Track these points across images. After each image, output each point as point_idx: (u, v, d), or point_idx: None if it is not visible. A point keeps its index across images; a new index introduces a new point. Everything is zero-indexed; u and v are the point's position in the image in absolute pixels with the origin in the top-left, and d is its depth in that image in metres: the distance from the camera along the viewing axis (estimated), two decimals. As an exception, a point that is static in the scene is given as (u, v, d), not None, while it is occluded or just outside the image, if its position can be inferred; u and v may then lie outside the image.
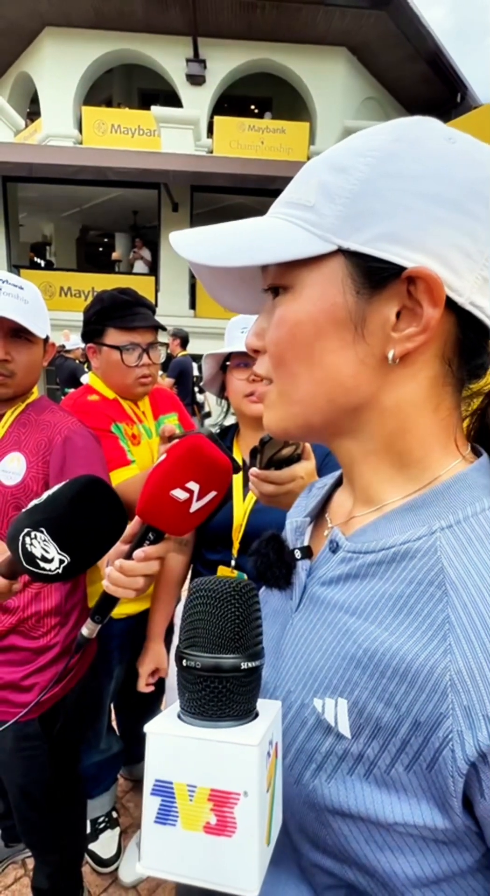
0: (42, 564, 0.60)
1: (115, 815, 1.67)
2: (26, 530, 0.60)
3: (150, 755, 0.31)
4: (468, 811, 0.31)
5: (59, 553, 0.60)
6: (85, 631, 0.57)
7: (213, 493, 0.49)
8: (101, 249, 14.27)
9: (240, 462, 1.13)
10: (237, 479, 1.13)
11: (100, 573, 1.27)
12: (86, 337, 1.39)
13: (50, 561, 0.60)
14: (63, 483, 0.63)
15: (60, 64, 10.85)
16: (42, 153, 8.91)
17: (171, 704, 0.35)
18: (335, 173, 0.36)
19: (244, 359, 1.12)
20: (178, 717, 0.33)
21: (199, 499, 0.48)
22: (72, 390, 2.28)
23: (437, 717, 0.31)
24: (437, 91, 11.74)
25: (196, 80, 11.03)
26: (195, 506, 0.49)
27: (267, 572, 0.48)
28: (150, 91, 12.42)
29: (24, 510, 0.63)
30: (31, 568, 0.61)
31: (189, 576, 1.30)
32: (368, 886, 0.36)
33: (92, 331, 1.36)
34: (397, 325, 0.36)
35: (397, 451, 0.40)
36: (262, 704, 0.35)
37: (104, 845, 1.58)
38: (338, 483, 0.53)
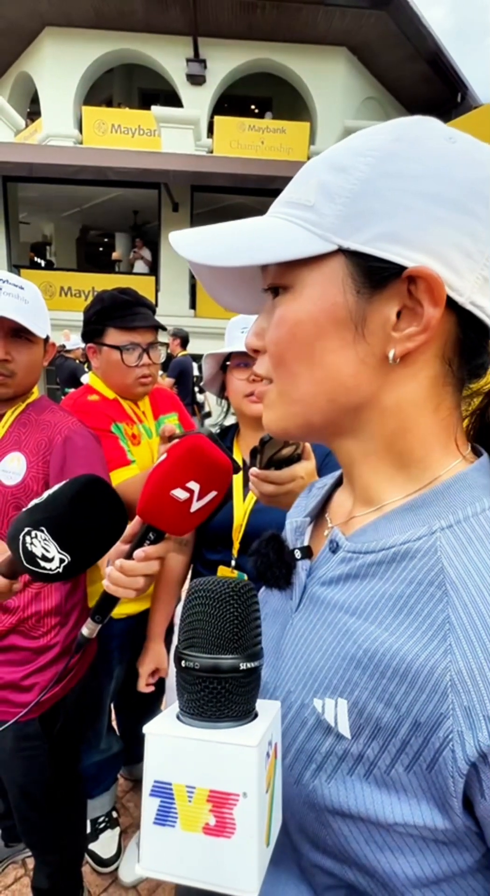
0: (42, 564, 0.60)
1: (115, 814, 1.67)
2: (27, 529, 0.60)
3: (148, 756, 0.31)
4: (468, 811, 0.31)
5: (59, 552, 0.60)
6: (85, 631, 0.57)
7: (213, 493, 0.49)
8: (101, 249, 14.27)
9: (240, 462, 1.13)
10: (237, 479, 1.13)
11: (100, 573, 1.27)
12: (86, 337, 1.39)
13: (50, 560, 0.60)
14: (63, 482, 0.63)
15: (61, 64, 10.85)
16: (42, 153, 8.91)
17: (171, 705, 0.35)
18: (335, 173, 0.36)
19: (244, 359, 1.12)
20: (177, 717, 0.33)
21: (199, 498, 0.48)
22: (72, 390, 2.28)
23: (437, 717, 0.31)
24: (438, 91, 11.73)
25: (196, 79, 11.03)
26: (195, 505, 0.49)
27: (267, 572, 0.48)
28: (151, 91, 12.42)
29: (24, 509, 0.63)
30: (31, 567, 0.61)
31: (189, 576, 1.30)
32: (368, 887, 0.36)
33: (92, 331, 1.36)
34: (398, 324, 0.36)
35: (397, 451, 0.40)
36: (261, 705, 0.35)
37: (104, 845, 1.59)
38: (338, 483, 0.53)
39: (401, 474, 0.40)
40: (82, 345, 1.45)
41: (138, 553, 0.52)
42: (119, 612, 1.29)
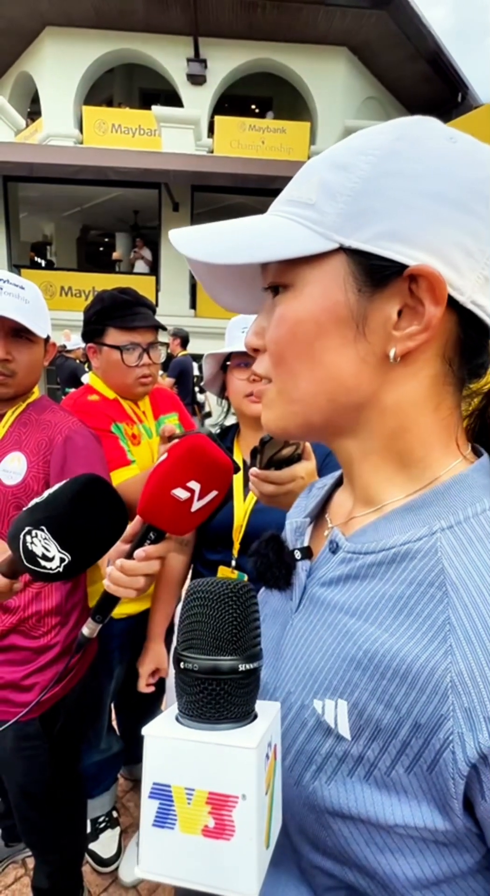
0: (43, 563, 0.60)
1: (115, 814, 1.67)
2: (27, 529, 0.60)
3: (147, 758, 0.31)
4: (469, 813, 0.31)
5: (59, 552, 0.60)
6: (86, 630, 0.57)
7: (213, 493, 0.49)
8: (101, 249, 14.28)
9: (240, 462, 1.13)
10: (238, 479, 1.13)
11: (100, 573, 1.27)
12: (86, 337, 1.39)
13: (51, 560, 0.60)
14: (64, 482, 0.63)
15: (61, 63, 10.85)
16: (43, 153, 8.91)
17: (171, 705, 0.34)
18: (336, 171, 0.36)
19: (244, 358, 1.12)
20: (176, 719, 0.33)
21: (199, 498, 0.48)
22: (72, 390, 2.28)
23: (437, 718, 0.31)
24: (438, 91, 11.73)
25: (197, 79, 11.02)
26: (196, 505, 0.49)
27: (266, 573, 0.48)
28: (151, 91, 12.42)
29: (24, 509, 0.63)
30: (31, 567, 0.61)
31: (190, 576, 1.30)
32: (369, 888, 0.36)
33: (92, 330, 1.36)
34: (399, 323, 0.36)
35: (397, 451, 0.40)
36: (260, 706, 0.35)
37: (104, 845, 1.59)
38: (338, 483, 0.53)
39: (401, 474, 0.40)
40: (83, 345, 1.45)
41: (139, 553, 0.52)
42: (119, 611, 1.29)
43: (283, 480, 0.78)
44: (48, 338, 1.12)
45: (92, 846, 1.58)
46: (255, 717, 0.34)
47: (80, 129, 10.81)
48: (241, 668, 0.32)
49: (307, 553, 0.47)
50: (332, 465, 0.84)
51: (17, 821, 1.18)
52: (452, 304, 0.35)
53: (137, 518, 0.52)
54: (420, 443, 0.39)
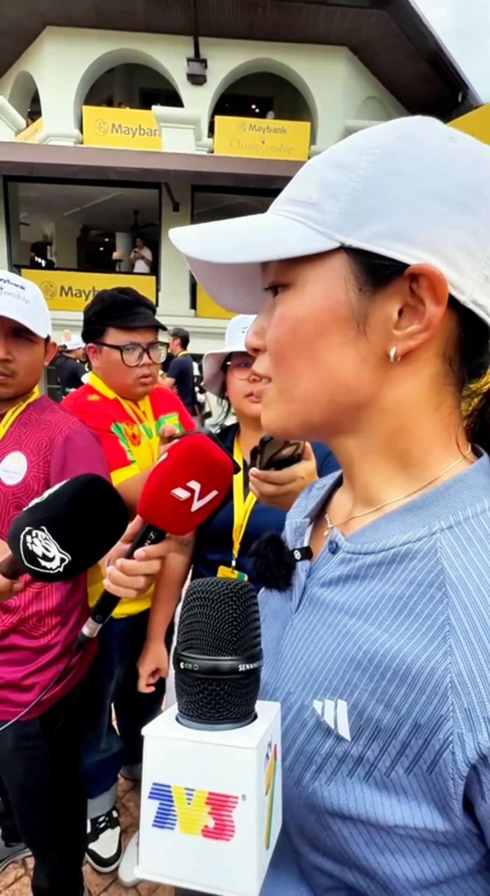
0: (43, 563, 0.60)
1: (115, 814, 1.67)
2: (27, 529, 0.60)
3: (147, 758, 0.31)
4: (468, 813, 0.31)
5: (60, 552, 0.60)
6: (86, 630, 0.57)
7: (214, 493, 0.49)
8: (101, 249, 14.28)
9: (240, 462, 1.13)
10: (238, 479, 1.13)
11: (101, 573, 1.27)
12: (86, 337, 1.39)
13: (51, 560, 0.60)
14: (64, 482, 0.63)
15: (61, 63, 10.85)
16: (43, 153, 8.91)
17: (172, 705, 0.34)
18: (337, 171, 0.36)
19: (245, 358, 1.12)
20: (176, 719, 0.33)
21: (200, 498, 0.48)
22: (72, 390, 2.28)
23: (437, 719, 0.31)
24: (439, 91, 11.72)
25: (197, 79, 11.02)
26: (196, 505, 0.49)
27: (266, 573, 0.48)
28: (151, 91, 12.42)
29: (25, 509, 0.63)
30: (32, 567, 0.61)
31: (190, 576, 1.30)
32: (368, 888, 0.36)
33: (92, 330, 1.36)
34: (399, 322, 0.36)
35: (397, 451, 0.40)
36: (260, 706, 0.35)
37: (104, 845, 1.59)
38: (338, 483, 0.53)
39: (401, 474, 0.40)
40: (83, 345, 1.45)
41: (139, 552, 0.52)
42: (119, 611, 1.29)
43: (283, 481, 0.78)
44: (48, 338, 1.12)
45: (92, 846, 1.58)
46: (255, 717, 0.33)
47: (81, 129, 10.81)
48: (241, 668, 0.32)
49: (307, 553, 0.47)
50: (332, 465, 0.84)
51: (18, 821, 1.18)
52: (453, 303, 0.35)
53: (137, 518, 0.52)
54: (420, 442, 0.39)
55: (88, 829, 1.55)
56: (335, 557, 0.43)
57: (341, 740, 0.36)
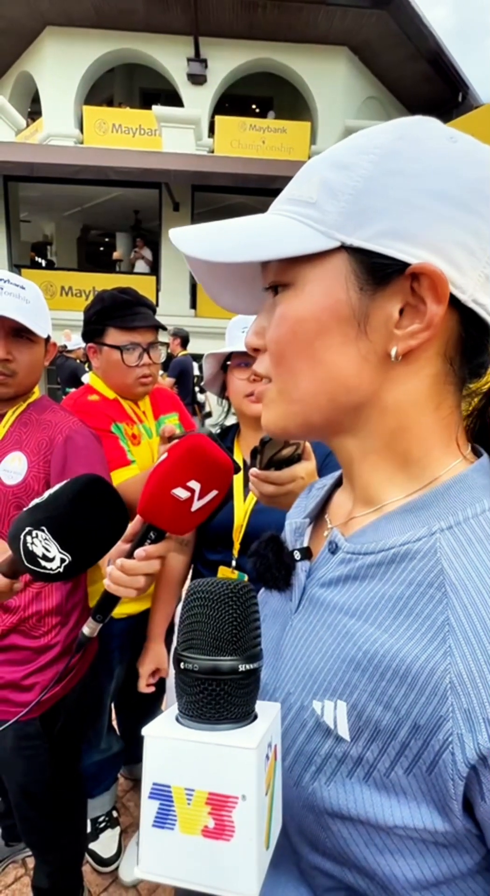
0: (43, 563, 0.60)
1: (115, 814, 1.67)
2: (27, 529, 0.60)
3: (147, 758, 0.31)
4: (468, 814, 0.31)
5: (60, 552, 0.60)
6: (86, 630, 0.57)
7: (214, 493, 0.49)
8: (102, 249, 14.28)
9: (241, 462, 1.12)
10: (238, 479, 1.13)
11: (101, 572, 1.27)
12: (86, 336, 1.39)
13: (51, 560, 0.60)
14: (64, 482, 0.63)
15: (61, 63, 10.85)
16: (43, 153, 8.91)
17: (172, 705, 0.34)
18: (337, 170, 0.36)
19: (245, 358, 1.12)
20: (176, 719, 0.33)
21: (200, 498, 0.48)
22: (73, 390, 2.28)
23: (436, 719, 0.31)
24: (439, 91, 11.72)
25: (197, 79, 11.02)
26: (196, 505, 0.49)
27: (266, 573, 0.48)
28: (152, 90, 12.42)
29: (25, 509, 0.63)
30: (32, 567, 0.61)
31: (190, 576, 1.30)
32: (368, 889, 0.36)
33: (92, 330, 1.36)
34: (400, 322, 0.36)
35: (397, 450, 0.40)
36: (261, 706, 0.35)
37: (104, 845, 1.59)
38: (338, 483, 0.53)
39: (401, 474, 0.40)
40: (84, 345, 1.45)
41: (139, 552, 0.52)
42: (119, 611, 1.29)
43: (283, 481, 0.77)
44: (49, 338, 1.12)
45: (92, 846, 1.58)
46: (256, 717, 0.33)
47: (81, 129, 10.81)
48: (242, 668, 0.32)
49: (307, 554, 0.47)
50: (332, 465, 0.84)
51: (18, 820, 1.18)
52: (454, 302, 0.35)
53: (138, 518, 0.52)
54: (420, 442, 0.39)
55: (88, 829, 1.55)
56: (335, 558, 0.43)
57: (341, 741, 0.36)
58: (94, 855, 1.57)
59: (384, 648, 0.35)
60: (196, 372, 5.84)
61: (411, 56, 11.02)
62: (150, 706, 1.64)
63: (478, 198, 0.34)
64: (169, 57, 10.95)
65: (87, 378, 1.47)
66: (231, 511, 1.11)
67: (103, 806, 1.63)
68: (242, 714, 0.32)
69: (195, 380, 5.89)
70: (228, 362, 1.17)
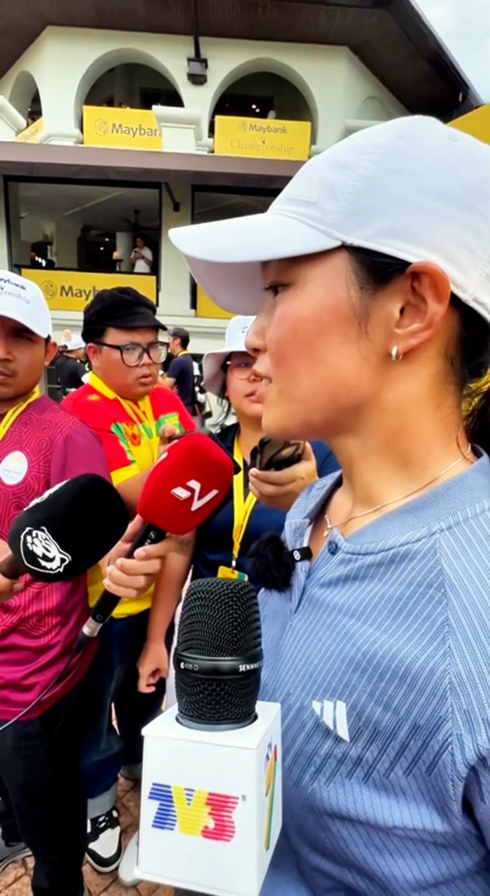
0: (43, 563, 0.60)
1: (115, 814, 1.67)
2: (27, 529, 0.60)
3: (147, 759, 0.31)
4: (468, 814, 0.31)
5: (60, 552, 0.60)
6: (86, 630, 0.57)
7: (214, 492, 0.49)
8: (102, 249, 14.27)
9: (241, 462, 1.12)
10: (238, 479, 1.13)
11: (101, 572, 1.27)
12: (86, 336, 1.39)
13: (51, 560, 0.60)
14: (64, 482, 0.63)
15: (62, 63, 10.85)
16: (43, 152, 8.91)
17: (172, 705, 0.34)
18: (338, 170, 0.36)
19: (245, 358, 1.12)
20: (177, 720, 0.33)
21: (200, 497, 0.48)
22: (73, 390, 2.28)
23: (436, 720, 0.31)
24: (439, 91, 11.72)
25: (197, 79, 11.02)
26: (196, 504, 0.49)
27: (265, 574, 0.48)
28: (152, 90, 12.42)
29: (25, 509, 0.63)
30: (32, 567, 0.61)
31: (190, 576, 1.30)
32: (368, 889, 0.36)
33: (92, 330, 1.36)
34: (401, 321, 0.36)
35: (397, 450, 0.40)
36: (261, 707, 0.35)
37: (104, 845, 1.59)
38: (337, 483, 0.53)
39: (401, 474, 0.40)
40: (84, 345, 1.45)
41: (139, 552, 0.52)
42: (119, 611, 1.29)
43: (282, 481, 0.77)
44: (49, 337, 1.12)
45: (92, 846, 1.58)
46: (256, 717, 0.33)
47: (81, 129, 10.81)
48: (242, 668, 0.32)
49: (306, 554, 0.47)
50: (332, 465, 0.84)
51: (18, 820, 1.18)
52: (454, 301, 0.35)
53: (138, 517, 0.52)
54: (420, 442, 0.39)
55: (88, 829, 1.55)
56: (334, 558, 0.43)
57: (340, 741, 0.36)
58: (94, 855, 1.57)
59: (384, 649, 0.35)
60: (196, 372, 5.84)
61: (412, 56, 11.02)
62: (150, 706, 1.64)
63: (478, 197, 0.34)
64: (169, 57, 10.95)
65: (87, 378, 1.47)
66: (231, 511, 1.11)
67: (103, 806, 1.63)
68: (242, 714, 0.32)
69: (195, 380, 5.89)
70: (228, 362, 1.17)
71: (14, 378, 1.05)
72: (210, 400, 6.40)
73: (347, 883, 0.38)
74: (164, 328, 1.44)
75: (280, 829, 0.33)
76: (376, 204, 0.34)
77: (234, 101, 11.94)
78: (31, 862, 1.55)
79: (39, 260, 12.69)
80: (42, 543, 0.60)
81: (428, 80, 11.57)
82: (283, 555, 0.48)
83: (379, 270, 0.35)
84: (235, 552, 1.11)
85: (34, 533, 0.60)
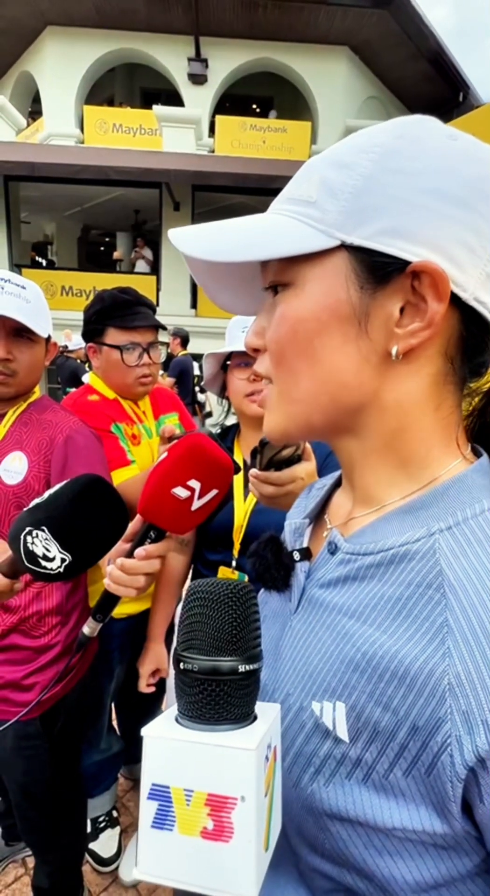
0: (44, 563, 0.60)
1: (115, 814, 1.67)
2: (28, 529, 0.60)
3: (146, 759, 0.30)
4: (467, 816, 0.31)
5: (60, 552, 0.60)
6: (86, 629, 0.57)
7: (214, 492, 0.49)
8: (102, 249, 14.27)
9: (241, 462, 1.12)
10: (238, 479, 1.13)
11: (101, 572, 1.27)
12: (86, 336, 1.39)
13: (51, 560, 0.60)
14: (65, 482, 0.63)
15: (62, 63, 10.86)
16: (44, 152, 8.91)
17: (172, 705, 0.34)
18: (337, 169, 0.36)
19: (245, 358, 1.12)
20: (176, 720, 0.33)
21: (200, 497, 0.48)
22: (73, 390, 2.28)
23: (435, 721, 0.31)
24: (439, 90, 11.72)
25: (198, 79, 11.03)
26: (196, 504, 0.49)
27: (265, 574, 0.48)
28: (152, 90, 12.42)
29: (25, 509, 0.63)
30: (32, 567, 0.61)
31: (190, 576, 1.30)
32: (367, 891, 0.36)
33: (92, 330, 1.36)
34: (401, 320, 0.35)
35: (397, 450, 0.40)
36: (260, 707, 0.35)
37: (104, 844, 1.59)
38: (337, 484, 0.53)
39: (400, 474, 0.40)
40: (84, 345, 1.45)
41: (139, 552, 0.52)
42: (120, 611, 1.29)
43: (282, 482, 0.77)
44: (49, 337, 1.12)
45: (92, 846, 1.58)
46: (255, 718, 0.33)
47: (82, 129, 10.82)
48: (241, 668, 0.32)
49: (306, 554, 0.47)
50: (332, 466, 0.84)
51: (18, 820, 1.18)
52: (454, 301, 0.35)
53: (138, 517, 0.52)
54: (420, 442, 0.39)
55: (88, 829, 1.55)
56: (334, 558, 0.43)
57: (340, 742, 0.36)
58: (94, 855, 1.57)
59: (383, 650, 0.35)
60: (196, 372, 5.84)
61: (412, 56, 11.03)
62: (150, 706, 1.64)
63: (478, 196, 0.34)
64: (169, 57, 10.96)
65: (87, 378, 1.47)
66: (231, 511, 1.11)
67: (103, 806, 1.63)
68: (242, 715, 0.32)
69: (195, 380, 5.89)
70: (228, 362, 1.17)
71: (14, 378, 1.05)
72: (210, 400, 6.40)
73: (347, 884, 0.37)
74: (164, 328, 1.44)
75: (279, 830, 0.33)
76: (376, 203, 0.34)
77: (234, 100, 11.94)
78: (31, 862, 1.55)
79: (40, 260, 12.68)
80: (42, 543, 0.60)
81: (428, 80, 11.57)
82: (283, 555, 0.48)
83: (379, 270, 0.35)
84: (235, 552, 1.11)
85: (34, 533, 0.60)
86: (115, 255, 11.76)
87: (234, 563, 1.12)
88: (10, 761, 1.10)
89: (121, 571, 0.53)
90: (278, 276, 0.39)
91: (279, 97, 12.39)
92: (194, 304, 9.38)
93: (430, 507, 0.38)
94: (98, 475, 0.64)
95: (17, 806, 1.15)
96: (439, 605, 0.33)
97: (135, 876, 0.30)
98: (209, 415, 6.37)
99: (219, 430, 1.27)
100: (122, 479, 1.25)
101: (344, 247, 0.36)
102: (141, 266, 10.12)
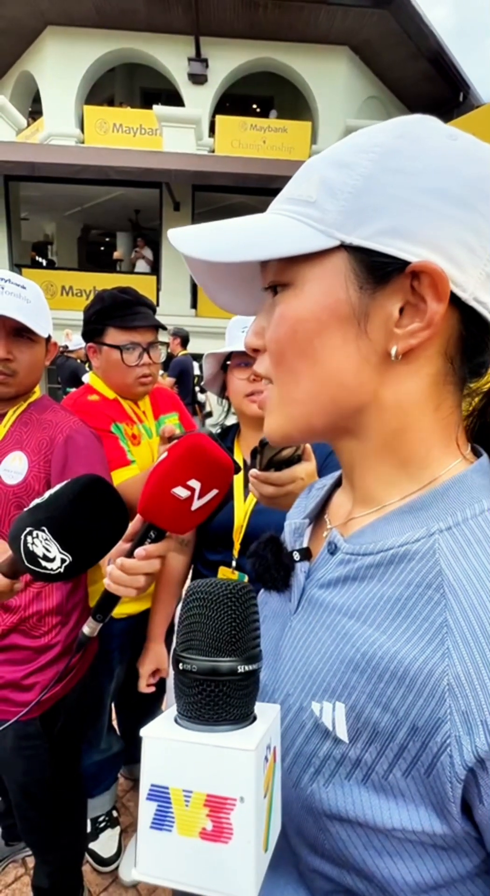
0: (44, 563, 0.60)
1: (115, 814, 1.67)
2: (28, 529, 0.60)
3: (145, 759, 0.30)
4: (467, 816, 0.31)
5: (60, 552, 0.60)
6: (86, 629, 0.57)
7: (214, 492, 0.49)
8: (102, 249, 14.27)
9: (241, 462, 1.12)
10: (238, 479, 1.13)
11: (101, 572, 1.27)
12: (86, 336, 1.39)
13: (51, 560, 0.60)
14: (65, 482, 0.63)
15: (62, 63, 10.87)
16: (44, 152, 8.92)
17: (172, 706, 0.34)
18: (337, 169, 0.36)
19: (245, 358, 1.12)
20: (175, 721, 0.32)
21: (200, 497, 0.48)
22: (73, 390, 2.28)
23: (434, 721, 0.31)
24: (440, 90, 11.72)
25: (198, 79, 11.03)
26: (196, 504, 0.49)
27: (265, 574, 0.48)
28: (152, 90, 12.43)
29: (26, 509, 0.63)
30: (32, 567, 0.61)
31: (190, 576, 1.30)
32: (367, 892, 0.36)
33: (92, 330, 1.36)
34: (401, 320, 0.35)
35: (398, 451, 0.40)
36: (260, 708, 0.34)
37: (104, 844, 1.59)
38: (337, 484, 0.53)
39: (400, 474, 0.40)
40: (85, 345, 1.46)
41: (139, 551, 0.52)
42: (119, 611, 1.29)
43: (282, 482, 0.77)
44: (49, 337, 1.12)
45: (92, 846, 1.58)
46: (255, 719, 0.33)
47: (82, 129, 10.82)
48: (241, 669, 0.32)
49: (306, 554, 0.47)
50: (332, 466, 0.84)
51: (18, 820, 1.18)
52: (454, 301, 0.35)
53: (138, 517, 0.52)
54: (420, 442, 0.39)
55: (88, 829, 1.55)
56: (334, 558, 0.43)
57: (339, 742, 0.36)
58: (94, 855, 1.57)
59: (382, 650, 0.35)
60: (196, 372, 5.84)
61: (412, 56, 11.03)
62: (150, 706, 1.64)
63: (478, 195, 0.34)
64: (170, 56, 10.96)
65: (87, 378, 1.47)
66: (231, 511, 1.11)
67: (103, 806, 1.63)
68: (241, 715, 0.32)
69: (195, 380, 5.88)
70: (228, 362, 1.17)
71: (14, 378, 1.05)
72: (210, 400, 6.40)
73: (347, 885, 0.37)
74: (164, 328, 1.44)
75: (279, 830, 0.33)
76: (376, 203, 0.34)
77: (234, 100, 11.94)
78: (31, 862, 1.55)
79: (40, 260, 12.68)
80: (42, 543, 0.60)
81: (428, 80, 11.57)
82: (283, 555, 0.48)
83: (378, 270, 0.35)
84: (235, 552, 1.11)
85: (35, 533, 0.60)
86: (116, 255, 11.76)
87: (234, 564, 1.12)
88: (10, 761, 1.10)
89: (121, 571, 0.53)
90: (278, 276, 0.39)
91: (279, 97, 12.39)
92: (194, 304, 9.38)
93: (430, 508, 0.38)
94: (98, 475, 0.64)
95: (17, 806, 1.15)
96: (439, 606, 0.33)
97: (134, 876, 0.30)
98: (209, 415, 6.37)
99: (219, 430, 1.27)
100: (122, 479, 1.25)
101: (343, 247, 0.36)
102: (141, 266, 10.12)
